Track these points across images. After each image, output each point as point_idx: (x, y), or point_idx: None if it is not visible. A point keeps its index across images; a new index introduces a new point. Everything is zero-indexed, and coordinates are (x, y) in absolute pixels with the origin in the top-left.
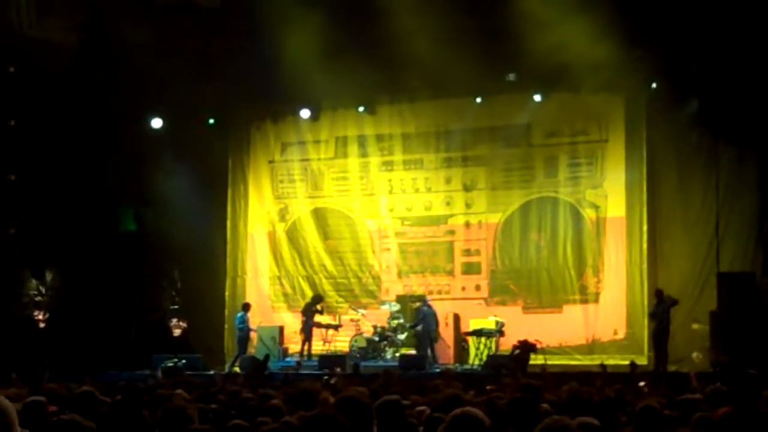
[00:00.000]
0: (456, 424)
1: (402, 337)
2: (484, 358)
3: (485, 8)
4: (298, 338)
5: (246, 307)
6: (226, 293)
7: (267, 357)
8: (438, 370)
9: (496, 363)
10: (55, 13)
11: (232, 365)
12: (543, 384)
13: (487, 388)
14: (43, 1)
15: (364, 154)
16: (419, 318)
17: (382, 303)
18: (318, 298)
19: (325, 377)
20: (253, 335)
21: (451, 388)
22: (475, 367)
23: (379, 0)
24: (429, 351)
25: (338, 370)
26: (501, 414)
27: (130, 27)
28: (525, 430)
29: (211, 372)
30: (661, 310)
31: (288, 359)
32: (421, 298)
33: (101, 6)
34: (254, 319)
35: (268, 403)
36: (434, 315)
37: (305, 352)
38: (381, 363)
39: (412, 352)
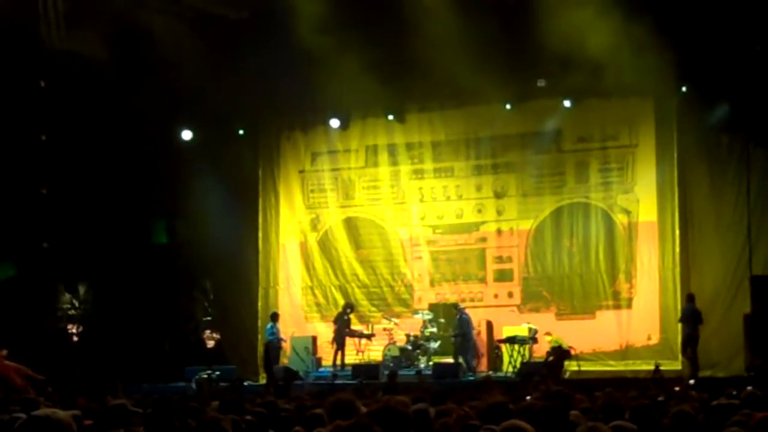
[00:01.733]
0: None
1: (435, 345)
2: (518, 365)
3: (514, 15)
4: (331, 348)
5: (274, 317)
6: (259, 304)
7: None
8: (472, 378)
9: (529, 370)
10: (85, 27)
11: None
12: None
13: (527, 398)
14: (72, 14)
15: (394, 163)
16: (461, 325)
17: (415, 312)
18: (349, 306)
19: None
20: (285, 345)
21: (496, 396)
22: (508, 374)
23: (408, 9)
24: (465, 359)
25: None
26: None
27: (160, 39)
28: None
29: (246, 383)
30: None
31: (322, 369)
32: (456, 306)
33: (131, 19)
34: (287, 330)
35: (305, 413)
36: (469, 322)
37: (338, 362)
38: (414, 372)
39: (446, 360)
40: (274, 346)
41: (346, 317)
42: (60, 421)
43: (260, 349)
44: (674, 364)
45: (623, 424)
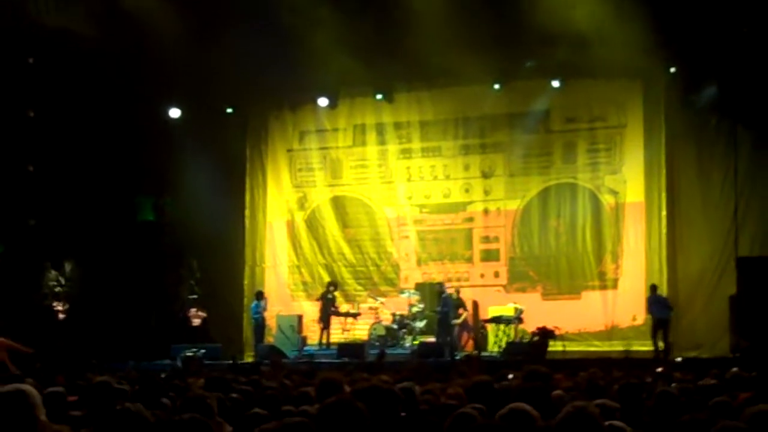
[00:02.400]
0: (510, 419)
1: (421, 324)
2: (503, 345)
3: None
4: (317, 327)
5: (259, 295)
6: (245, 282)
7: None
8: (458, 357)
9: (515, 350)
10: (73, 2)
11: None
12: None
13: (509, 376)
14: None
15: (382, 142)
16: (443, 304)
17: (402, 291)
18: (332, 284)
19: None
20: (271, 323)
21: (478, 375)
22: (494, 354)
23: None
24: (448, 338)
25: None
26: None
27: (148, 16)
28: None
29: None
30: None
31: (307, 348)
32: (440, 285)
33: None
34: (273, 308)
35: (292, 392)
36: (449, 301)
37: (325, 340)
38: (400, 351)
39: (431, 339)
40: (259, 324)
41: (330, 296)
42: (25, 392)
43: (246, 327)
44: (659, 345)
45: (606, 403)
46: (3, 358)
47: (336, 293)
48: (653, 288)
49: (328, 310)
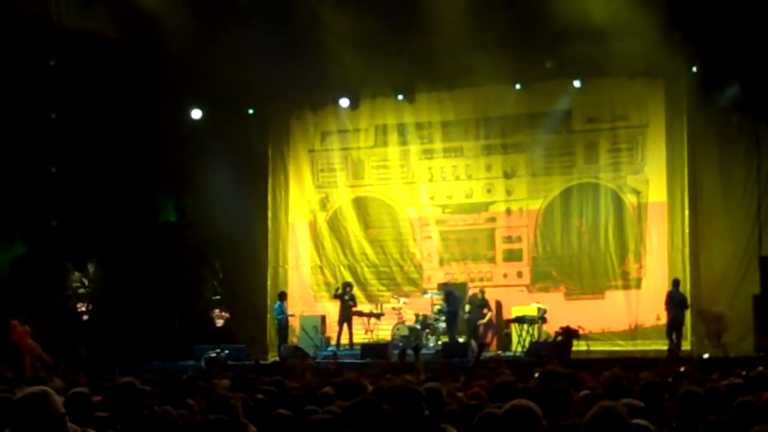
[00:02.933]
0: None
1: (444, 324)
2: (527, 345)
3: None
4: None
5: (282, 296)
6: (268, 283)
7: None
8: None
9: (538, 350)
10: (95, 4)
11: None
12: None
13: (536, 375)
14: None
15: (404, 143)
16: (453, 302)
17: (424, 291)
18: (347, 285)
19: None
20: (294, 323)
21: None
22: (518, 354)
23: None
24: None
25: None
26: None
27: (169, 17)
28: (560, 418)
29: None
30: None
31: (330, 348)
32: (463, 286)
33: None
34: (296, 308)
35: (316, 392)
36: (459, 299)
37: (348, 341)
38: (423, 351)
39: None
40: (282, 325)
41: (346, 296)
42: (46, 394)
43: (269, 328)
44: (683, 344)
45: (631, 402)
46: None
47: (353, 292)
48: (676, 283)
49: (346, 311)
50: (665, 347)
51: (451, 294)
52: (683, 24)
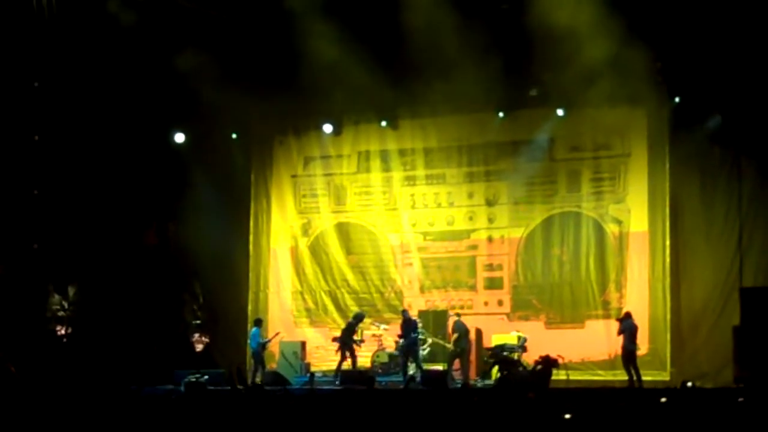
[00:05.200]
0: None
1: (424, 352)
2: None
3: (507, 23)
4: (320, 353)
5: (258, 322)
6: (249, 308)
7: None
8: (459, 385)
9: (518, 378)
10: (79, 27)
11: (252, 380)
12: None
13: (530, 396)
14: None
15: (386, 169)
16: (461, 332)
17: None
18: (360, 316)
19: None
20: (274, 349)
21: None
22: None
23: (402, 15)
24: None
25: None
26: None
27: (153, 41)
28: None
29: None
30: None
31: (308, 374)
32: (444, 314)
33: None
34: (276, 329)
35: None
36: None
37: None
38: (403, 378)
39: (435, 367)
40: (256, 352)
41: (355, 328)
42: None
43: (249, 352)
44: (662, 375)
45: None
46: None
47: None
48: (629, 315)
49: (349, 341)
50: (646, 377)
51: (408, 321)
52: (666, 55)
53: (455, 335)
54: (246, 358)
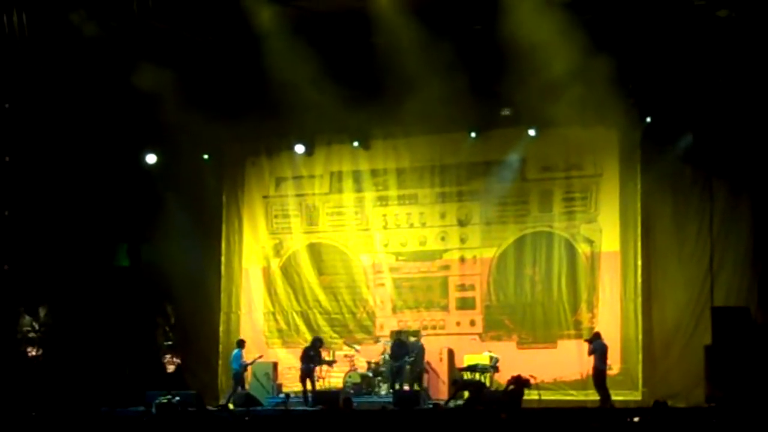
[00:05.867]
0: None
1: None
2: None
3: (479, 44)
4: (292, 375)
5: (240, 343)
6: (221, 329)
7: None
8: (431, 405)
9: (490, 399)
10: (50, 49)
11: (227, 401)
12: None
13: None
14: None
15: (358, 189)
16: (416, 352)
17: (377, 339)
18: (317, 342)
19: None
20: (248, 370)
21: None
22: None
23: (374, 36)
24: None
25: None
26: None
27: (125, 62)
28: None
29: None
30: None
31: (281, 395)
32: (416, 334)
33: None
34: (252, 356)
35: None
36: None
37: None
38: (375, 399)
39: (407, 387)
40: (237, 373)
41: (312, 353)
42: None
43: (221, 374)
44: (634, 395)
45: None
46: None
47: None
48: (599, 335)
49: (309, 366)
50: (618, 397)
51: (418, 346)
52: (637, 76)
53: (412, 357)
54: (217, 379)
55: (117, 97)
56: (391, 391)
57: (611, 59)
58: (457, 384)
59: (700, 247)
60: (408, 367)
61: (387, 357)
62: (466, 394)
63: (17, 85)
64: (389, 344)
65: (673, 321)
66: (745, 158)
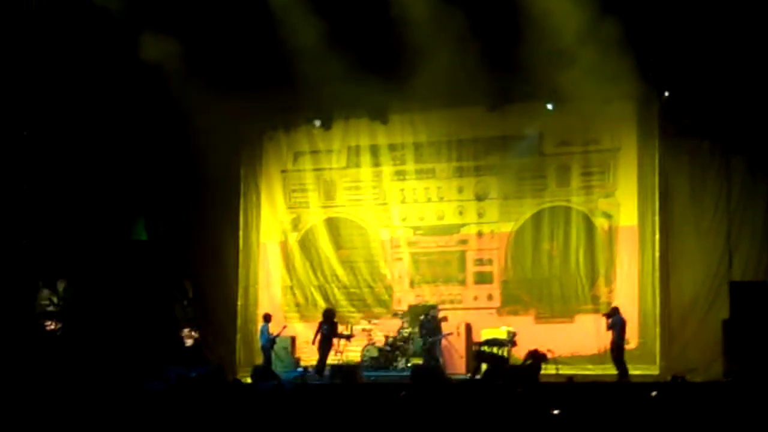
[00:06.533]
0: None
1: (414, 346)
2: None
3: (496, 17)
4: (311, 349)
5: (267, 317)
6: (239, 303)
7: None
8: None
9: (507, 373)
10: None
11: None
12: None
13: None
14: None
15: (376, 164)
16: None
17: (395, 313)
18: (329, 313)
19: None
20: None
21: None
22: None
23: (391, 9)
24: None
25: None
26: None
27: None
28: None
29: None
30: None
31: (299, 369)
32: (434, 307)
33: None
34: (276, 328)
35: None
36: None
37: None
38: (393, 373)
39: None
40: (265, 348)
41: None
42: None
43: (239, 348)
44: (651, 369)
45: None
46: None
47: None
48: (617, 309)
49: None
50: (635, 371)
51: (435, 320)
52: (656, 50)
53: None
54: (235, 353)
55: (133, 73)
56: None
57: (630, 31)
58: (479, 357)
59: (717, 221)
60: (442, 342)
61: (417, 332)
62: (485, 366)
63: (36, 59)
64: (407, 319)
65: (691, 295)
66: (763, 132)
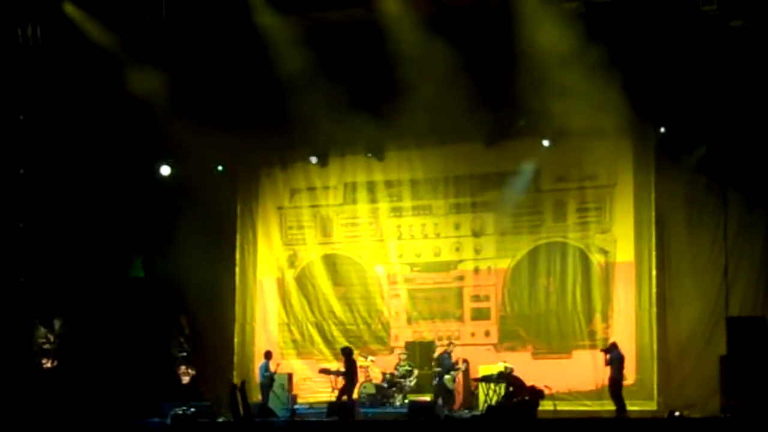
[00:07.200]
0: None
1: (411, 383)
2: (494, 403)
3: (493, 54)
4: (307, 386)
5: (267, 355)
6: (236, 340)
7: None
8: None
9: (504, 409)
10: (65, 61)
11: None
12: None
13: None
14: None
15: (373, 200)
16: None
17: (392, 350)
18: (347, 351)
19: None
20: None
21: None
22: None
23: (387, 47)
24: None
25: None
26: None
27: (137, 75)
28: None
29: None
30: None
31: (297, 407)
32: (432, 345)
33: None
34: (273, 366)
35: None
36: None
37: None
38: (390, 410)
39: (422, 398)
40: (264, 385)
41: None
42: None
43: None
44: (649, 405)
45: None
46: None
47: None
48: (615, 345)
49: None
50: (633, 407)
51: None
52: (650, 86)
53: (463, 367)
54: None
55: (131, 109)
56: (441, 405)
57: (625, 69)
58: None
59: (714, 257)
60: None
61: (435, 370)
62: (483, 401)
63: (31, 97)
64: (405, 355)
65: (688, 331)
66: (759, 168)
